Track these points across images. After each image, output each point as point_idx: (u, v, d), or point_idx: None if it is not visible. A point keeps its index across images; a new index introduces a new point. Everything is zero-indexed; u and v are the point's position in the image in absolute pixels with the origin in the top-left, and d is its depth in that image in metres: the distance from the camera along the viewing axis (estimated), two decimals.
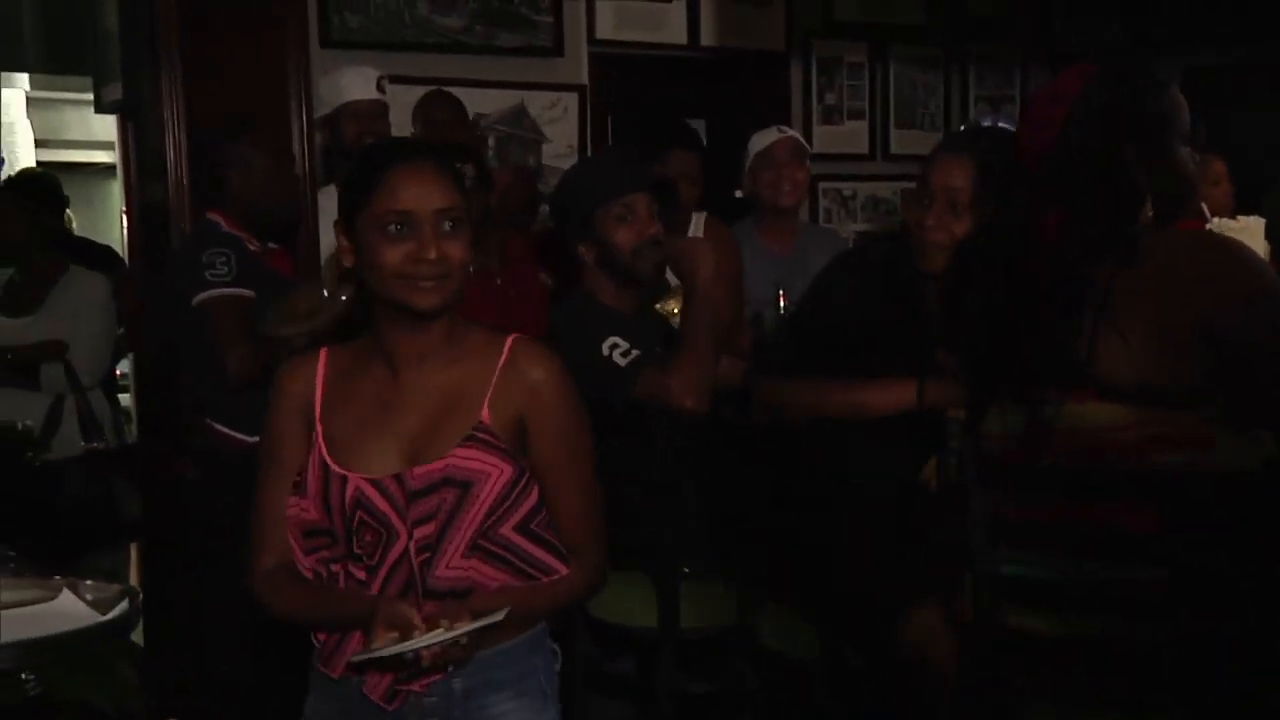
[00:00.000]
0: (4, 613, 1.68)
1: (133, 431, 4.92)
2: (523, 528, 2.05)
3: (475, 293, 3.45)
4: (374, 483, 2.00)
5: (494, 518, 2.02)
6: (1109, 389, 2.21)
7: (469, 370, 2.06)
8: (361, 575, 2.01)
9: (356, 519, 2.00)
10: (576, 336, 3.13)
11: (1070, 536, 2.23)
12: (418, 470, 2.00)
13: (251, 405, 3.37)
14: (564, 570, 2.09)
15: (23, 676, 1.58)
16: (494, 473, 2.01)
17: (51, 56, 6.24)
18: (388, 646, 1.86)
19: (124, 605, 1.64)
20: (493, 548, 2.03)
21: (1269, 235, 4.38)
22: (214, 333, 3.41)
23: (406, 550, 1.99)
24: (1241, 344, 2.18)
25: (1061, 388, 2.24)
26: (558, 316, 3.31)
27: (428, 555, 2.00)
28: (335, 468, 2.02)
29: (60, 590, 1.69)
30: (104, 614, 1.58)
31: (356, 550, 2.01)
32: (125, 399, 4.99)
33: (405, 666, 1.93)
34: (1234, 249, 2.30)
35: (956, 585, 2.40)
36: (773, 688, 3.11)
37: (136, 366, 4.46)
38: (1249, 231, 3.45)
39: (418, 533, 1.99)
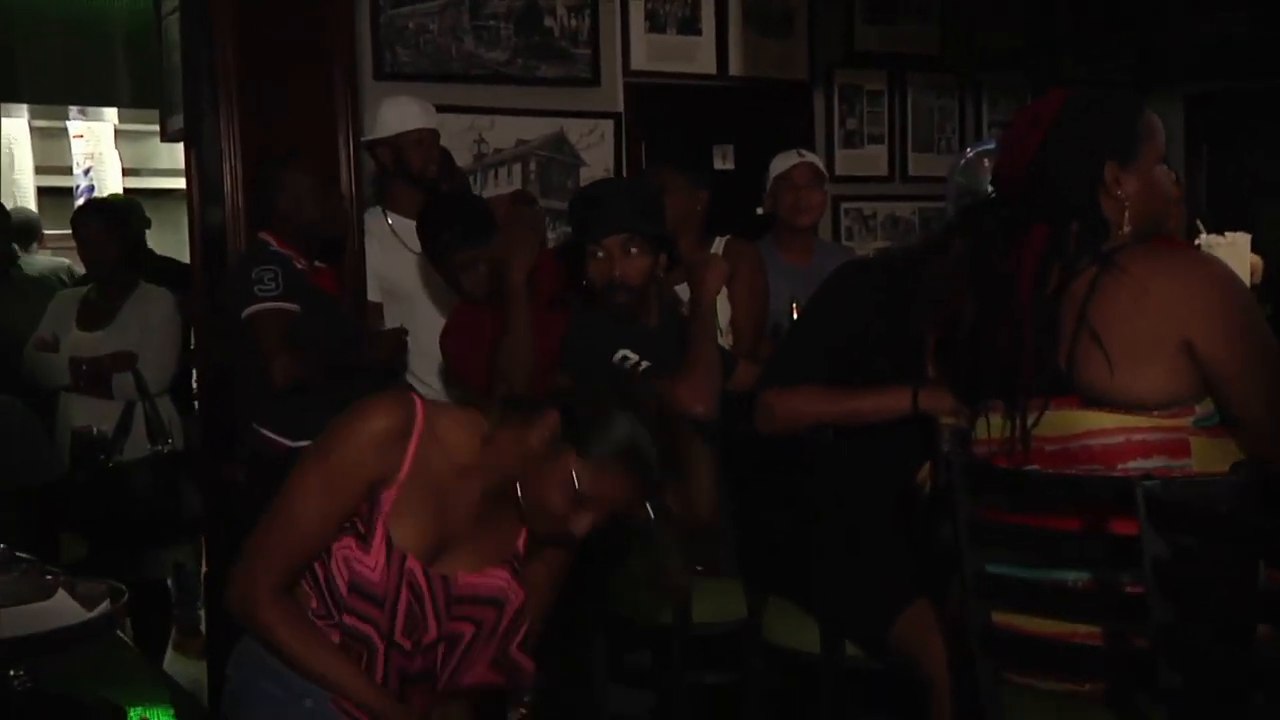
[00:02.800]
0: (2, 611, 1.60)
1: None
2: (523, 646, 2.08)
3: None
4: (425, 572, 1.93)
5: (509, 638, 2.05)
6: (1089, 397, 2.10)
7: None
8: (408, 646, 1.94)
9: (403, 598, 1.92)
10: (589, 348, 3.06)
11: (1048, 538, 2.13)
12: (464, 579, 1.97)
13: (294, 411, 3.35)
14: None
15: (10, 673, 1.50)
16: (514, 598, 2.03)
17: (136, 93, 6.26)
18: None
19: (105, 604, 1.56)
20: (503, 662, 2.06)
21: (1266, 255, 4.24)
22: (259, 342, 3.37)
23: (435, 645, 1.97)
24: (1218, 359, 2.07)
25: (1044, 396, 2.14)
26: (573, 329, 3.18)
27: (457, 664, 2.00)
28: (396, 541, 1.91)
29: (56, 589, 1.61)
30: (90, 611, 1.51)
31: (399, 639, 1.93)
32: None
33: None
34: (1211, 267, 2.17)
35: (947, 585, 2.31)
36: (778, 680, 3.01)
37: (199, 375, 4.41)
38: (1236, 247, 3.29)
39: (449, 628, 1.97)
